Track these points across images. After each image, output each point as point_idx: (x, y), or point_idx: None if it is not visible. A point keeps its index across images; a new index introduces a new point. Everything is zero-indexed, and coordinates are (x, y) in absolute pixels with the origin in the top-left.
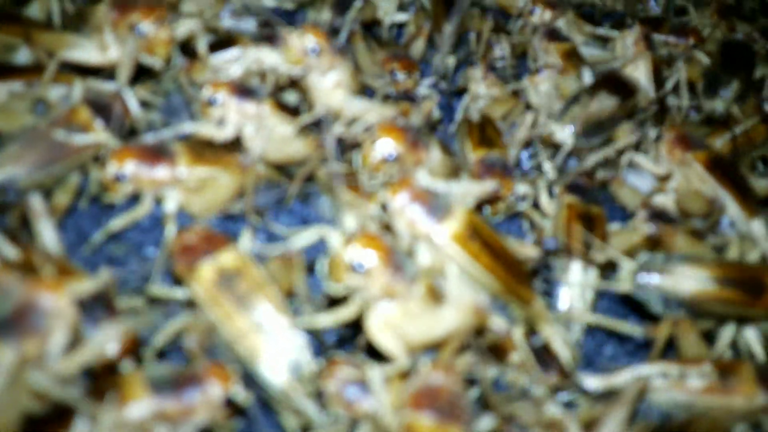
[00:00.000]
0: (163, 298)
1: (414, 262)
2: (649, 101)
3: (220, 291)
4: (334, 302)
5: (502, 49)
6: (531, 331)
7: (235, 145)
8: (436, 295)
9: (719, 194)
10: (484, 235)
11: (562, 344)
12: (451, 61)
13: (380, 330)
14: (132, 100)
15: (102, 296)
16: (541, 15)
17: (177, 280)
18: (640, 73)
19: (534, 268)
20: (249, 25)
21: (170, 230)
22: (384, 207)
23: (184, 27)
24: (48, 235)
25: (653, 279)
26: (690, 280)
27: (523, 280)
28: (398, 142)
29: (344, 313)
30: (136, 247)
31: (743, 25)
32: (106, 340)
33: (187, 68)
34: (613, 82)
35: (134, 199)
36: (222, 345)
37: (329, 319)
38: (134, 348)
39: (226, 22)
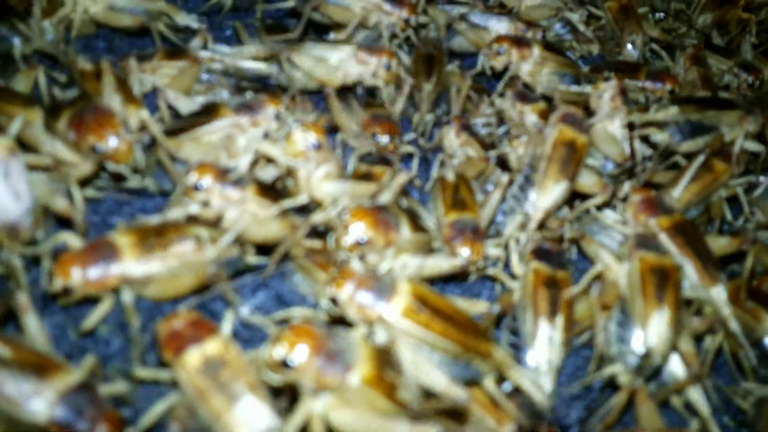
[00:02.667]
0: (149, 379)
1: (350, 350)
2: (625, 158)
3: (204, 379)
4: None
5: (484, 111)
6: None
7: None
8: (386, 386)
9: (680, 261)
10: (432, 302)
11: (531, 386)
12: (429, 119)
13: (323, 421)
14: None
15: (86, 383)
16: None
17: (163, 360)
18: (615, 128)
19: (495, 319)
20: (224, 93)
21: (133, 323)
22: (333, 300)
23: (141, 135)
24: (34, 329)
25: None
26: None
27: (479, 335)
28: (369, 226)
29: (297, 418)
30: (119, 326)
31: (722, 60)
32: None
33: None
34: None
35: None
36: (205, 429)
37: (291, 428)
38: (120, 430)
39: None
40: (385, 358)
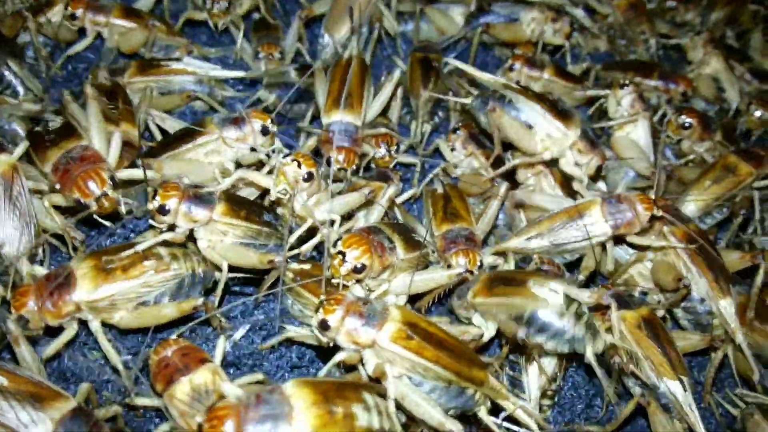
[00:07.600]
0: (143, 407)
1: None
2: (652, 170)
3: (192, 408)
4: None
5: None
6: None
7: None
8: None
9: (692, 271)
10: (423, 328)
11: (524, 415)
12: (426, 128)
13: None
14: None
15: (83, 409)
16: (520, 71)
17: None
18: (639, 133)
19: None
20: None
21: (107, 350)
22: (323, 325)
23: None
24: (28, 358)
25: None
26: None
27: (473, 362)
28: (365, 253)
29: None
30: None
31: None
32: None
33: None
34: None
35: None
36: None
37: None
38: None
39: None
40: (326, 412)
